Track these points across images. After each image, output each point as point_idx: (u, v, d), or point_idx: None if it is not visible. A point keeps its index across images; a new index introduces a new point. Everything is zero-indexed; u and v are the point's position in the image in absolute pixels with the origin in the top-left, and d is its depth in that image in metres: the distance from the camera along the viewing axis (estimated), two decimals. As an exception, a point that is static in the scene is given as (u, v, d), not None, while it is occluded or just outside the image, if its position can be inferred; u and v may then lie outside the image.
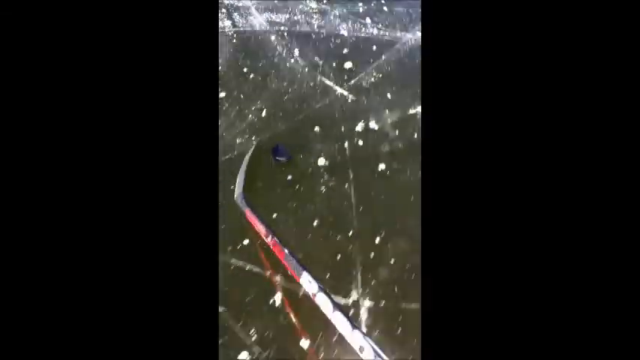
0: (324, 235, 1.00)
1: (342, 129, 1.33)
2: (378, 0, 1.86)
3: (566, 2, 0.43)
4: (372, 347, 0.60)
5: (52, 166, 0.43)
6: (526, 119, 0.43)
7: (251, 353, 0.77)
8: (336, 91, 1.48)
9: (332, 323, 0.65)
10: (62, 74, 0.44)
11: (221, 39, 1.70)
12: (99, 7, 0.45)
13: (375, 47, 1.64)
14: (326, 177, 1.16)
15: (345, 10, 1.82)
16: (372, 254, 0.96)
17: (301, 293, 0.79)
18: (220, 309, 0.83)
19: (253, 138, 1.29)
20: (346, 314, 0.65)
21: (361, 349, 0.61)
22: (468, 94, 0.45)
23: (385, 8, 1.82)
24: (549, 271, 0.40)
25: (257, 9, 1.84)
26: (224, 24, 1.79)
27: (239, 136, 1.31)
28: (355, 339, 0.62)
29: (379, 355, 0.60)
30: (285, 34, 1.73)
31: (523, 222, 0.41)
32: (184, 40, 0.47)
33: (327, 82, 1.51)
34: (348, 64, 1.57)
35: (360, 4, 1.84)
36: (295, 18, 1.80)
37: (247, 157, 1.13)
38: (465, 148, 0.44)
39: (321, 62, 1.59)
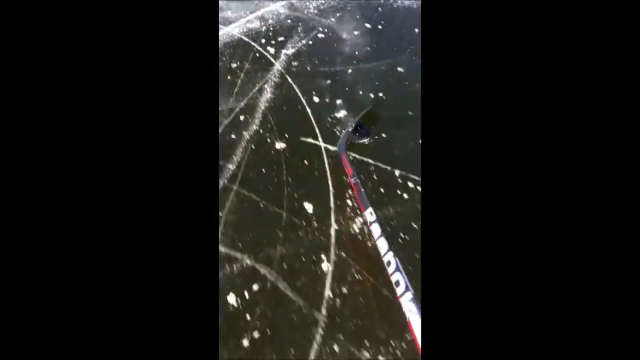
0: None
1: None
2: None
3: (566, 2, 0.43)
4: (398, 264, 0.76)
5: (52, 160, 0.43)
6: (526, 121, 0.43)
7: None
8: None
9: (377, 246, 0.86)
10: (63, 66, 0.44)
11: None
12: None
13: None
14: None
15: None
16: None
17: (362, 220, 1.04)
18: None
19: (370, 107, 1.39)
20: (388, 239, 0.83)
21: (389, 263, 0.77)
22: (469, 94, 0.45)
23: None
24: (551, 272, 0.40)
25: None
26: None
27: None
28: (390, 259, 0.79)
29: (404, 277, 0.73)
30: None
31: (523, 223, 0.41)
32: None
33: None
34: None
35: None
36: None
37: (358, 118, 1.30)
38: (465, 149, 0.44)
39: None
